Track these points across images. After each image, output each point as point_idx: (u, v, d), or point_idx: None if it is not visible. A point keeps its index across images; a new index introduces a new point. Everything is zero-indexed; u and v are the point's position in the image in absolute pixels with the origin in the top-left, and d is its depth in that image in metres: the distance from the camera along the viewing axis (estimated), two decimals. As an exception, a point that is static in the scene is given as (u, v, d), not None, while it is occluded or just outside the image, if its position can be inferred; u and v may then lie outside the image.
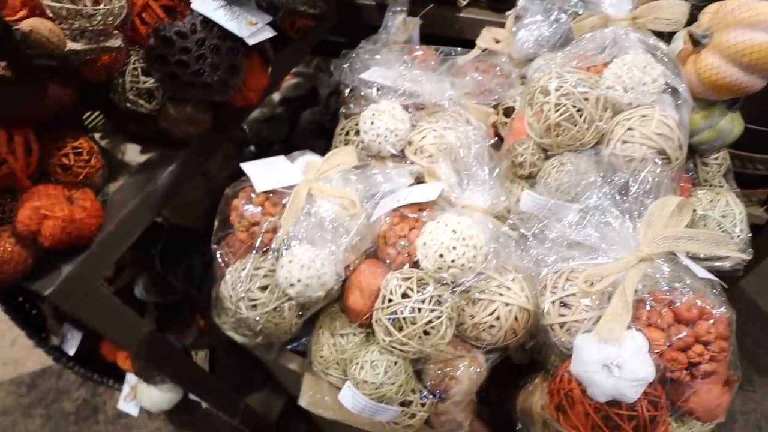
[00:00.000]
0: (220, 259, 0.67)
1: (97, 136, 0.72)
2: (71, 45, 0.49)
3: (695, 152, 0.79)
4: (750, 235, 0.80)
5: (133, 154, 0.71)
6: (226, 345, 1.08)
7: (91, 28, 0.49)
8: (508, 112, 0.82)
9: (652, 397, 0.53)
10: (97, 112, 0.67)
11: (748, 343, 1.49)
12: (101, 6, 0.49)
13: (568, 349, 0.57)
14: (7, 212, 0.57)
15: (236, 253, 0.64)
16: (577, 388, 0.55)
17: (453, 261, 0.56)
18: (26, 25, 0.44)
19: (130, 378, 1.23)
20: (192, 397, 1.22)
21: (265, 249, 0.63)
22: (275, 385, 1.22)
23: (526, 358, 0.71)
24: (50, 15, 0.48)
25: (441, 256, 0.56)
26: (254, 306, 0.60)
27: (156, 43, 0.58)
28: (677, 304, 0.54)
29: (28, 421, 1.59)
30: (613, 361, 0.51)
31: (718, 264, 0.76)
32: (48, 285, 0.60)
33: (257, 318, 0.60)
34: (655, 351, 0.53)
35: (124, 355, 1.16)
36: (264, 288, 0.61)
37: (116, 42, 0.53)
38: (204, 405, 1.21)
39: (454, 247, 0.56)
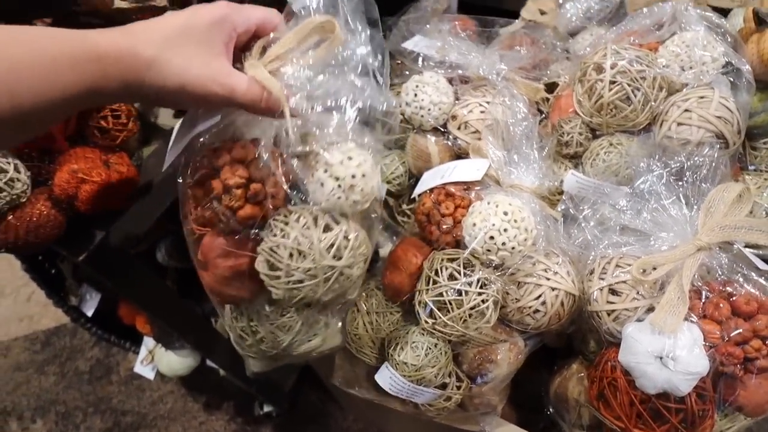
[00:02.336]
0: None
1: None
2: (118, 3, 0.46)
3: (747, 136, 0.76)
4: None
5: (166, 117, 0.68)
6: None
7: (138, -18, 0.46)
8: (551, 88, 0.78)
9: (701, 391, 0.52)
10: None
11: None
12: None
13: (615, 338, 0.56)
14: (44, 174, 0.54)
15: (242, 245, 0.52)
16: (623, 378, 0.54)
17: (504, 244, 0.54)
18: (76, -23, 0.41)
19: (148, 341, 1.23)
20: (209, 363, 1.22)
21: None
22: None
23: (562, 343, 0.70)
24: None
25: (491, 238, 0.54)
26: (336, 252, 0.48)
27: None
28: (735, 297, 0.52)
29: (42, 378, 1.60)
30: (668, 353, 0.50)
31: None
32: (81, 251, 0.59)
33: (348, 263, 0.49)
34: (710, 344, 0.51)
35: (143, 319, 1.15)
36: (327, 227, 0.49)
37: (161, 0, 0.50)
38: (222, 372, 1.21)
39: (505, 230, 0.54)
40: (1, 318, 1.70)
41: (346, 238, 0.48)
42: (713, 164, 0.59)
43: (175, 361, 1.16)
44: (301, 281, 0.47)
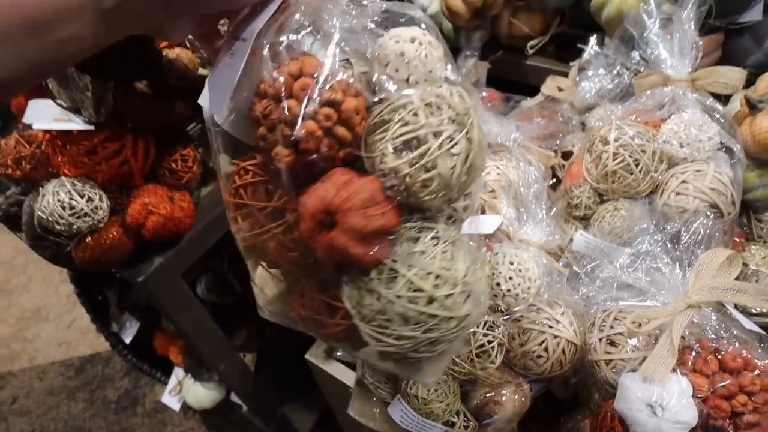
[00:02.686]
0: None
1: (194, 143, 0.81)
2: (201, 71, 0.57)
3: (750, 209, 0.82)
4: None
5: (223, 163, 0.78)
6: (274, 351, 1.14)
7: (216, 55, 0.57)
8: (567, 155, 0.87)
9: (693, 443, 0.56)
10: (196, 123, 0.75)
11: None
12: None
13: (613, 387, 0.60)
14: (120, 205, 0.65)
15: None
16: (620, 426, 0.58)
17: (509, 290, 0.60)
18: (173, 53, 0.52)
19: (178, 372, 1.30)
20: (233, 398, 1.28)
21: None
22: (311, 398, 1.27)
23: (569, 394, 0.74)
24: (188, 45, 0.56)
25: (498, 284, 0.60)
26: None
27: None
28: (723, 353, 0.57)
29: (72, 404, 1.67)
30: (658, 401, 0.54)
31: None
32: (140, 273, 0.68)
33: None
34: (699, 396, 0.55)
35: (176, 350, 1.23)
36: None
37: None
38: (244, 408, 1.26)
39: (510, 278, 0.60)
40: (42, 342, 1.80)
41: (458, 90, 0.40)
42: (707, 231, 0.65)
43: (202, 393, 1.22)
44: (452, 137, 0.38)
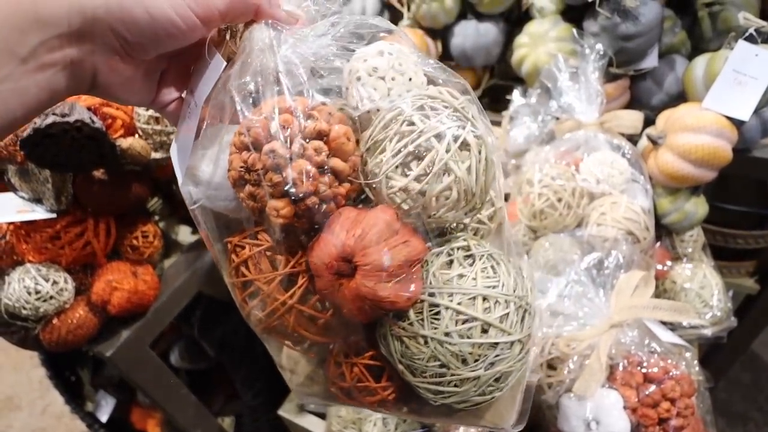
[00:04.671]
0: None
1: (155, 218, 0.86)
2: (154, 155, 0.63)
3: (672, 231, 0.90)
4: (730, 304, 0.89)
5: (184, 234, 0.84)
6: (251, 412, 1.16)
7: (168, 141, 0.64)
8: (506, 198, 0.95)
9: (633, 454, 0.61)
10: (156, 198, 0.80)
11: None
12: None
13: (556, 408, 0.65)
14: (85, 284, 0.69)
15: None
16: (567, 447, 0.63)
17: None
18: (126, 143, 0.59)
19: (157, 445, 1.29)
20: (214, 464, 1.27)
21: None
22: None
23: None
24: (140, 134, 0.63)
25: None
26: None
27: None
28: (645, 365, 0.63)
29: (51, 493, 1.62)
30: (592, 416, 0.60)
31: (705, 331, 0.86)
32: (109, 347, 0.71)
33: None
34: (629, 407, 0.61)
35: (154, 422, 1.23)
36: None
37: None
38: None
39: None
40: (16, 431, 1.76)
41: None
42: (626, 256, 0.73)
43: (182, 463, 1.22)
44: (458, 133, 0.33)
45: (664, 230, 0.91)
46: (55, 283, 0.65)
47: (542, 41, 0.94)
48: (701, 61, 0.79)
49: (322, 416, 0.90)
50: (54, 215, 0.62)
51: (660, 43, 0.87)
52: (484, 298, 0.34)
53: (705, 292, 0.88)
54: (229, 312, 1.02)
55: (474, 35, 1.03)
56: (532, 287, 0.38)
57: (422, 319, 0.34)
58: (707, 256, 0.94)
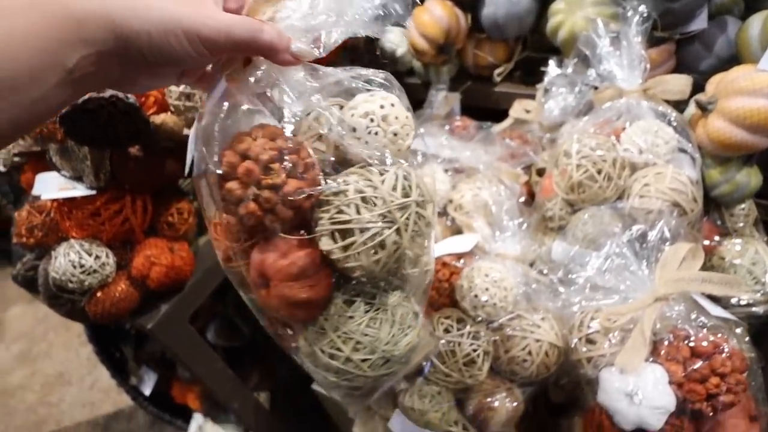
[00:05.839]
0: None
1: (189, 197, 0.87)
2: (186, 131, 0.63)
3: (721, 204, 0.86)
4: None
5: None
6: (286, 388, 1.18)
7: (199, 117, 0.64)
8: (541, 172, 0.92)
9: (677, 428, 0.59)
10: (189, 180, 0.81)
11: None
12: (207, 100, 0.64)
13: (596, 383, 0.64)
14: (125, 260, 0.71)
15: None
16: (606, 419, 0.61)
17: (486, 301, 0.65)
18: (158, 119, 0.59)
19: (198, 417, 1.33)
20: (252, 438, 1.31)
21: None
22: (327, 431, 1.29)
23: (564, 397, 0.77)
24: (172, 110, 0.63)
25: (476, 296, 0.65)
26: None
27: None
28: (693, 339, 0.60)
29: (101, 463, 1.70)
30: (634, 390, 0.58)
31: (757, 309, 0.81)
32: (150, 320, 0.73)
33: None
34: (675, 382, 0.59)
35: (193, 395, 1.27)
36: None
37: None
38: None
39: (487, 289, 0.65)
40: (67, 405, 1.85)
41: (405, 177, 0.42)
42: (671, 229, 0.69)
43: (222, 435, 1.25)
44: (379, 234, 0.40)
45: (712, 204, 0.87)
46: (97, 257, 0.67)
47: (579, 6, 0.90)
48: (757, 20, 0.74)
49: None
50: (93, 192, 0.63)
51: (709, 4, 0.82)
52: (357, 342, 0.45)
53: (757, 269, 0.84)
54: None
55: (506, 4, 0.99)
56: (408, 341, 0.48)
57: (313, 331, 0.46)
58: (759, 232, 0.89)
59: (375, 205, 0.40)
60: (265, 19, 0.39)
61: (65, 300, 0.69)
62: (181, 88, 0.63)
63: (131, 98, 0.55)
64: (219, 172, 0.40)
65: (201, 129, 0.42)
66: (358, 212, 0.40)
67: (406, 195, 0.42)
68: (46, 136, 0.60)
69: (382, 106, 0.43)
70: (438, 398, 0.67)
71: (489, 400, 0.68)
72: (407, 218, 0.42)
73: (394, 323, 0.46)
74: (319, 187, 0.41)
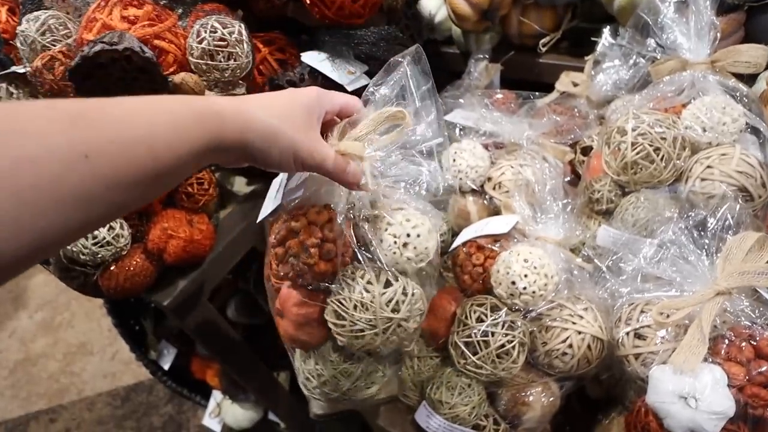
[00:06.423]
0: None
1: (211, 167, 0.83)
2: (207, 93, 0.59)
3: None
4: None
5: (240, 185, 0.80)
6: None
7: (223, 79, 0.59)
8: (586, 150, 0.85)
9: (735, 435, 0.53)
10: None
11: None
12: (232, 61, 0.59)
13: (644, 381, 0.58)
14: (141, 232, 0.67)
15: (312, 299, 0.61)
16: (654, 421, 0.56)
17: (525, 288, 0.59)
18: (178, 77, 0.54)
19: (216, 395, 1.32)
20: (271, 417, 1.28)
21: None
22: (348, 413, 1.26)
23: (602, 393, 0.71)
24: (194, 69, 0.58)
25: (513, 283, 0.59)
26: (395, 306, 0.54)
27: (270, 89, 0.68)
28: (758, 339, 0.54)
29: (120, 433, 1.72)
30: (690, 392, 0.52)
31: None
32: (166, 297, 0.69)
33: (405, 316, 0.55)
34: (735, 386, 0.52)
35: (212, 372, 1.25)
36: (387, 283, 0.55)
37: (241, 90, 0.63)
38: (282, 426, 1.27)
39: (525, 275, 0.59)
40: (89, 375, 1.87)
41: (404, 293, 0.54)
42: (735, 216, 0.62)
43: (240, 413, 1.24)
44: (362, 330, 0.53)
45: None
46: (111, 228, 0.63)
47: (640, -31, 0.81)
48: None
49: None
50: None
51: (788, -34, 0.73)
52: (327, 380, 0.61)
53: (822, 262, 0.76)
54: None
55: (558, -33, 0.92)
56: (367, 390, 0.63)
57: (306, 356, 0.64)
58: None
59: (367, 310, 0.53)
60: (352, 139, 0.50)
61: (77, 273, 0.66)
62: (203, 44, 0.58)
63: (148, 52, 0.50)
64: (272, 239, 0.55)
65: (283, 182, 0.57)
66: (354, 308, 0.53)
67: (394, 310, 0.53)
68: (57, 93, 0.56)
69: (408, 235, 0.55)
70: (468, 391, 0.62)
71: (523, 394, 0.63)
72: (386, 329, 0.54)
73: (359, 378, 0.61)
74: (334, 286, 0.54)
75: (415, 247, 0.54)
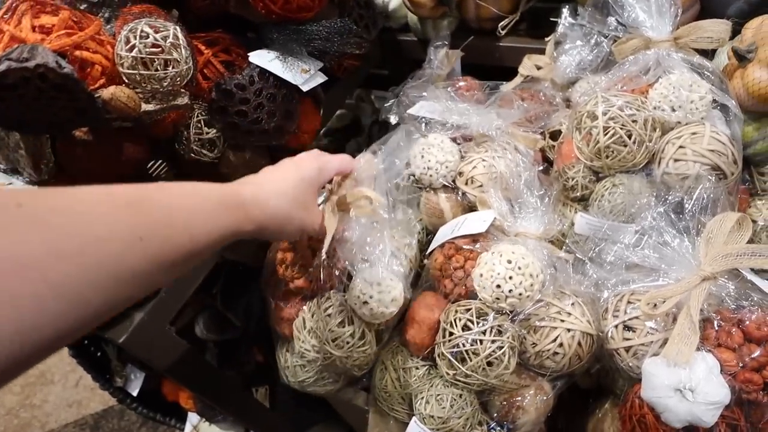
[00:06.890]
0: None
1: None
2: (144, 107, 0.53)
3: (750, 163, 0.78)
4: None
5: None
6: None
7: (161, 89, 0.53)
8: (555, 135, 0.82)
9: (731, 420, 0.52)
10: (160, 162, 0.71)
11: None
12: (170, 69, 0.53)
13: (637, 374, 0.56)
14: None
15: (295, 304, 0.71)
16: (650, 414, 0.54)
17: (510, 291, 0.56)
18: (107, 93, 0.48)
19: (192, 417, 1.26)
20: (251, 434, 1.23)
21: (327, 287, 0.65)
22: (335, 423, 1.22)
23: (592, 384, 0.70)
24: (126, 81, 0.52)
25: (498, 286, 0.56)
26: (339, 344, 0.63)
27: (217, 96, 0.62)
28: (746, 323, 0.53)
29: (93, 463, 1.63)
30: (685, 384, 0.50)
31: None
32: (121, 333, 0.63)
33: (345, 355, 0.64)
34: (728, 372, 0.51)
35: (186, 395, 1.19)
36: (342, 323, 0.64)
37: (183, 99, 0.57)
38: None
39: (510, 277, 0.56)
40: (51, 405, 1.76)
41: (351, 336, 0.62)
42: (711, 196, 0.61)
43: (219, 434, 1.18)
44: (308, 350, 0.67)
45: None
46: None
47: (596, -55, 0.79)
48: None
49: (368, 390, 0.82)
50: (35, 187, 0.52)
51: (743, -64, 0.72)
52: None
53: (791, 231, 0.77)
54: (253, 279, 0.94)
55: (511, -53, 0.88)
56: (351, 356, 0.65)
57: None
58: (789, 191, 0.82)
59: (317, 337, 0.66)
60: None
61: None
62: (134, 53, 0.51)
63: (66, 67, 0.43)
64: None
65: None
66: (308, 332, 0.67)
67: (339, 347, 0.64)
68: (-29, 123, 0.49)
69: (371, 297, 0.61)
70: (460, 402, 0.59)
71: (517, 399, 0.61)
72: (327, 358, 0.66)
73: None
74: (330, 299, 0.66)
75: (371, 309, 0.60)
